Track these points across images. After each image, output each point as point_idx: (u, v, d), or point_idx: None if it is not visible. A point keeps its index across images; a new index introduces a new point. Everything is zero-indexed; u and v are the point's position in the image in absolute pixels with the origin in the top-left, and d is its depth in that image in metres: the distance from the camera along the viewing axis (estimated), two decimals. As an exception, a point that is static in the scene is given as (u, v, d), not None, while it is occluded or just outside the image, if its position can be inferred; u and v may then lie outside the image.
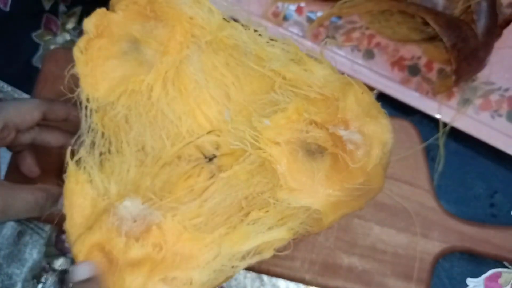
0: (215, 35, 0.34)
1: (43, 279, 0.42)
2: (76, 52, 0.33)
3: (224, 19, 0.34)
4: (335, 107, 0.30)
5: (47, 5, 0.49)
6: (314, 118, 0.31)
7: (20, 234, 0.42)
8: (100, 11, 0.33)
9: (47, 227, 0.43)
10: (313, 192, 0.31)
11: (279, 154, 0.31)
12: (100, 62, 0.34)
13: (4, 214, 0.32)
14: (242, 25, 0.34)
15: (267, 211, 0.32)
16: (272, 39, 0.34)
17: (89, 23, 0.33)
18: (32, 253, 0.42)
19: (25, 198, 0.32)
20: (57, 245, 0.42)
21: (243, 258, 0.32)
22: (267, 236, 0.32)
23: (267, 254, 0.33)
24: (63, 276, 0.42)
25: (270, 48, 0.34)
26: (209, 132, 0.36)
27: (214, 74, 0.36)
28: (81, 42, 0.33)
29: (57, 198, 0.34)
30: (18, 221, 0.43)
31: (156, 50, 0.34)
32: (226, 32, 0.34)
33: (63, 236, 0.42)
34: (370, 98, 0.31)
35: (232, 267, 0.32)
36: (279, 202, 0.31)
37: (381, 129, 0.30)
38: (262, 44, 0.34)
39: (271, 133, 0.32)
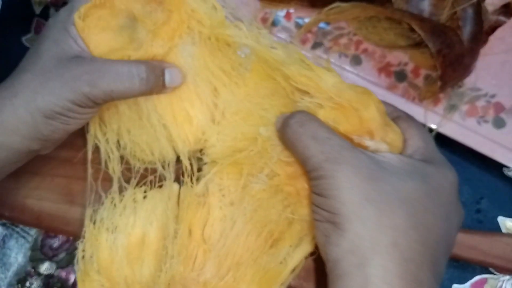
0: (213, 31, 0.34)
1: (28, 284, 0.41)
2: (76, 17, 0.33)
3: (226, 17, 0.34)
4: (356, 117, 0.31)
5: (37, 9, 0.50)
6: (338, 128, 0.31)
7: (5, 238, 0.42)
8: None
9: (33, 231, 0.43)
10: None
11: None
12: (96, 31, 0.34)
13: (93, 87, 0.31)
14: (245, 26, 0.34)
15: (286, 237, 0.33)
16: (275, 44, 0.34)
17: None
18: (17, 257, 0.42)
19: (116, 69, 0.31)
20: (43, 249, 0.42)
21: None
22: (295, 260, 0.33)
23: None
24: (48, 281, 0.41)
25: (275, 51, 0.33)
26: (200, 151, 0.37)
27: (204, 72, 0.36)
28: (83, 8, 0.33)
29: (161, 70, 0.33)
30: (4, 224, 0.42)
31: (149, 31, 0.34)
32: (228, 31, 0.34)
33: (49, 240, 0.42)
34: (383, 107, 0.32)
35: None
36: (302, 216, 0.32)
37: (397, 136, 0.31)
38: (265, 46, 0.34)
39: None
